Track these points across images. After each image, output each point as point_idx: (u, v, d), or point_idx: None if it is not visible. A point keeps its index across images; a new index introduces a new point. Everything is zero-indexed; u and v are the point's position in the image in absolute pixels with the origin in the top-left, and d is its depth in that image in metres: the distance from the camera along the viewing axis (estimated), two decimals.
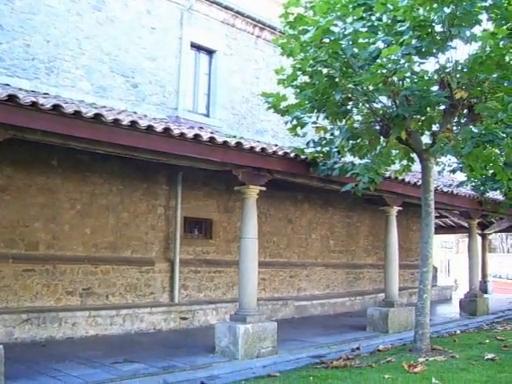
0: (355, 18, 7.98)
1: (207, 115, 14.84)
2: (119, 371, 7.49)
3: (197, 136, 8.01)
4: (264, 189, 9.49)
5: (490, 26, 8.05)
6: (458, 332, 11.52)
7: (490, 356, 7.94)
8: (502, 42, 7.82)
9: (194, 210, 13.14)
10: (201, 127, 11.34)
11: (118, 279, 11.39)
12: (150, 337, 10.59)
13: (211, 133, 8.99)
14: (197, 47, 14.68)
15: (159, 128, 7.56)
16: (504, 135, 9.41)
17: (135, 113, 11.41)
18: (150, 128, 7.45)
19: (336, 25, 8.10)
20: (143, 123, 7.46)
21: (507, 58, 8.11)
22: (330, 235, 16.97)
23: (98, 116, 6.94)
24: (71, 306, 10.57)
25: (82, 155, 10.35)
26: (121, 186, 11.73)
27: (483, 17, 7.68)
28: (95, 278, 11.05)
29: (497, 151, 11.35)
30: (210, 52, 15.02)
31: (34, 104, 6.35)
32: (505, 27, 7.61)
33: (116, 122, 7.11)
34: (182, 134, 7.85)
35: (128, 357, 8.42)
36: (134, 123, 7.28)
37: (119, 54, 12.68)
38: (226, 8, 14.87)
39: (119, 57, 12.68)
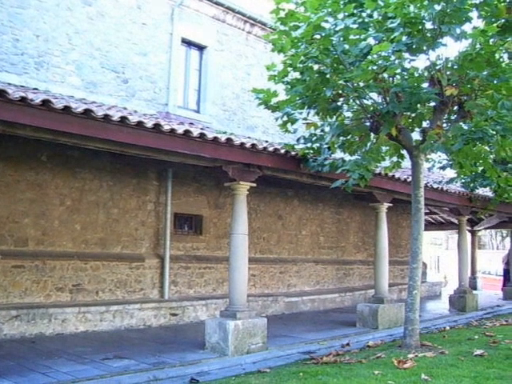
0: (346, 14, 7.98)
1: (198, 111, 14.82)
2: (109, 367, 7.48)
3: (187, 132, 8.00)
4: (254, 185, 9.50)
5: (480, 24, 8.07)
6: (448, 328, 11.56)
7: (478, 352, 7.97)
8: (492, 40, 7.85)
9: (184, 206, 13.13)
10: (191, 123, 11.34)
11: (107, 275, 11.36)
12: (140, 333, 10.58)
13: (201, 129, 8.98)
14: (187, 43, 14.65)
15: (149, 124, 7.54)
16: (494, 132, 9.42)
17: (125, 108, 11.38)
18: (140, 124, 7.42)
19: (327, 21, 8.09)
20: (133, 119, 7.43)
21: (497, 56, 8.13)
22: (320, 231, 16.99)
23: (87, 111, 6.90)
24: (61, 302, 10.54)
25: (72, 151, 10.32)
26: (111, 181, 11.69)
27: (473, 14, 7.68)
28: (85, 274, 11.02)
29: (486, 148, 11.38)
30: (200, 48, 15.00)
31: (23, 99, 6.31)
32: (495, 25, 7.63)
33: (106, 117, 7.08)
34: (173, 130, 7.83)
35: (118, 353, 8.41)
36: (124, 119, 7.26)
37: (110, 49, 12.64)
38: (217, 4, 14.85)
39: (110, 52, 12.63)
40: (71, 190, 11.07)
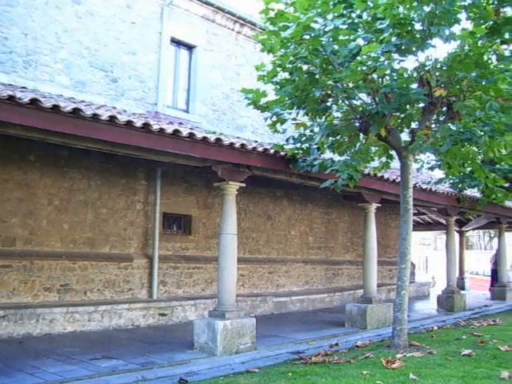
0: (336, 14, 7.99)
1: (187, 111, 14.79)
2: (97, 368, 7.46)
3: (176, 132, 7.99)
4: (243, 185, 9.50)
5: (468, 25, 8.09)
6: (436, 328, 11.60)
7: (466, 352, 8.00)
8: (480, 41, 7.88)
9: (174, 206, 13.10)
10: (180, 123, 11.33)
11: (96, 275, 11.32)
12: (129, 333, 10.54)
13: (191, 129, 8.97)
14: (177, 42, 14.62)
15: (138, 123, 7.51)
16: (482, 133, 9.48)
17: (114, 108, 11.36)
18: (129, 123, 7.40)
19: (316, 21, 8.10)
20: (122, 118, 7.41)
21: (485, 57, 8.16)
22: (309, 232, 17.01)
23: (76, 111, 6.88)
24: (49, 302, 10.49)
25: (61, 150, 10.28)
26: (99, 181, 11.65)
27: (462, 16, 7.71)
28: (73, 274, 10.97)
29: (475, 149, 11.44)
30: (190, 47, 14.98)
31: (11, 98, 6.28)
32: (483, 26, 7.66)
33: (95, 116, 7.06)
34: (162, 130, 7.81)
35: (106, 353, 8.39)
36: (113, 118, 7.23)
37: (99, 48, 12.59)
38: (207, 3, 14.83)
39: (99, 51, 12.59)
40: (60, 189, 11.02)
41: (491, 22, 7.84)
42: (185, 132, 8.12)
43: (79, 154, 10.29)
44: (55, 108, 6.67)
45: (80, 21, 12.26)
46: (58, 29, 11.88)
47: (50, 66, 11.72)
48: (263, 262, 15.22)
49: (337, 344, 9.53)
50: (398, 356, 7.76)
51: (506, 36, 8.06)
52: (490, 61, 8.36)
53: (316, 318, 13.62)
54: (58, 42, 11.87)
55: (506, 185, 15.92)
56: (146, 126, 7.60)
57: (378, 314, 11.94)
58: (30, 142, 8.00)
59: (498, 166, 14.43)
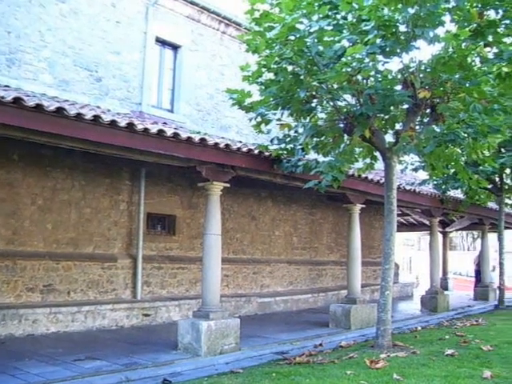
0: (321, 16, 8.01)
1: (171, 111, 14.75)
2: (81, 368, 7.42)
3: (160, 131, 7.96)
4: (228, 185, 9.49)
5: (452, 28, 8.16)
6: (419, 328, 11.67)
7: (449, 352, 8.05)
8: (464, 44, 7.94)
9: (158, 206, 13.06)
10: (165, 123, 11.30)
11: (79, 275, 11.25)
12: (113, 334, 10.50)
13: (175, 128, 8.94)
14: (162, 42, 14.58)
15: (123, 123, 7.48)
16: (465, 135, 9.55)
17: (98, 107, 11.30)
18: (113, 123, 7.37)
19: (302, 22, 8.11)
20: (106, 118, 7.37)
21: (469, 60, 8.23)
22: (294, 232, 17.03)
23: (60, 110, 6.83)
24: (32, 302, 10.40)
25: (45, 150, 10.19)
26: (83, 181, 11.58)
27: (446, 18, 7.77)
28: (56, 274, 10.89)
29: (458, 151, 11.53)
30: (175, 47, 14.94)
31: None
32: (467, 29, 7.72)
33: (79, 116, 7.02)
34: (146, 130, 7.78)
35: (90, 354, 8.34)
36: (97, 118, 7.20)
37: (83, 47, 12.51)
38: (192, 3, 14.80)
39: (83, 50, 12.51)
40: (43, 189, 10.94)
41: (475, 25, 7.92)
42: (169, 132, 8.10)
43: (63, 154, 10.22)
44: (39, 107, 6.62)
45: (64, 19, 12.18)
46: (42, 27, 11.79)
47: (33, 65, 11.63)
48: (247, 263, 15.22)
49: (321, 344, 9.55)
50: (382, 356, 7.78)
51: (490, 39, 8.13)
52: (473, 63, 8.44)
53: (300, 318, 13.64)
54: (42, 41, 11.78)
55: (489, 186, 16.09)
56: (131, 125, 7.57)
57: (361, 315, 11.98)
58: (13, 142, 7.94)
59: (481, 167, 14.55)
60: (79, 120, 7.08)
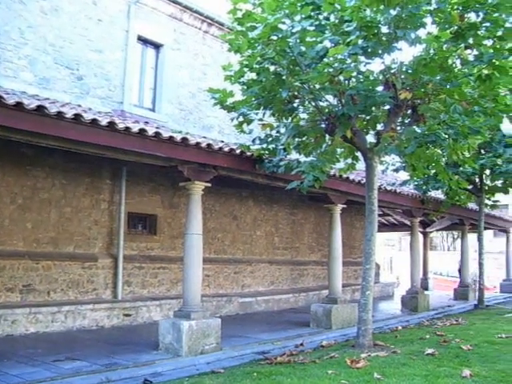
0: (303, 16, 8.02)
1: (153, 110, 14.70)
2: (60, 369, 7.36)
3: (142, 131, 7.93)
4: (209, 185, 9.47)
5: (434, 30, 8.20)
6: (400, 328, 11.72)
7: (430, 351, 8.09)
8: (445, 46, 7.99)
9: (139, 206, 13.01)
10: (146, 122, 11.24)
11: (59, 275, 11.17)
12: (93, 334, 10.43)
13: (157, 128, 8.90)
14: (144, 41, 14.52)
15: (104, 122, 7.44)
16: (446, 136, 9.62)
17: (80, 106, 11.23)
18: (94, 121, 7.32)
19: (284, 23, 8.13)
20: (88, 116, 7.32)
21: (450, 61, 8.29)
22: (275, 232, 17.05)
23: (40, 108, 6.77)
24: (11, 302, 10.30)
25: (25, 148, 10.10)
26: (64, 180, 11.50)
27: (428, 20, 7.81)
28: (36, 274, 10.81)
29: (439, 151, 11.61)
30: (157, 46, 14.88)
31: None
32: (448, 31, 7.77)
33: (59, 114, 6.96)
34: (127, 129, 7.75)
35: (70, 354, 8.27)
36: (78, 116, 7.15)
37: (64, 45, 12.42)
38: (174, 2, 14.76)
39: (64, 48, 12.42)
40: (23, 188, 10.85)
41: (456, 27, 7.96)
42: (151, 131, 8.07)
43: (43, 152, 10.14)
44: (19, 105, 6.56)
45: (45, 17, 12.08)
46: (22, 24, 11.68)
47: (13, 62, 11.52)
48: (229, 263, 15.21)
49: (302, 344, 9.56)
50: (363, 355, 7.81)
51: (470, 41, 8.18)
52: (454, 65, 8.51)
53: (281, 318, 13.65)
54: (22, 38, 11.67)
55: (469, 187, 16.21)
56: (112, 124, 7.53)
57: (342, 314, 12.01)
58: None
59: (461, 168, 14.67)
60: (60, 118, 7.02)
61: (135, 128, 7.87)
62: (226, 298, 14.02)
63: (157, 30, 14.59)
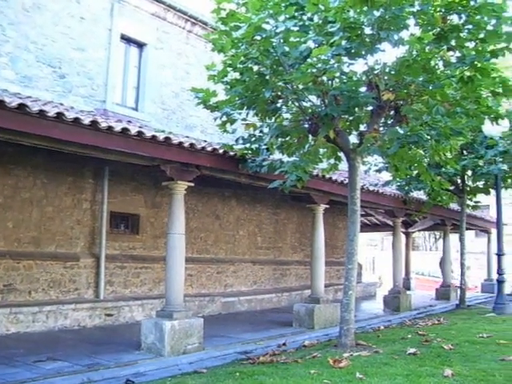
0: (287, 16, 8.04)
1: (136, 109, 14.63)
2: (42, 370, 7.30)
3: (125, 130, 7.89)
4: (192, 184, 9.46)
5: (417, 31, 8.25)
6: (382, 327, 11.78)
7: (411, 350, 8.13)
8: (428, 47, 8.04)
9: (121, 205, 12.95)
10: (129, 121, 11.20)
11: (41, 275, 11.09)
12: (75, 334, 10.37)
13: (140, 127, 8.87)
14: (127, 39, 14.44)
15: (86, 121, 7.40)
16: (428, 137, 9.66)
17: (62, 104, 11.14)
18: (76, 120, 7.28)
19: (268, 23, 8.13)
20: (70, 115, 7.28)
21: (432, 63, 8.33)
22: (258, 232, 17.06)
23: (22, 106, 6.72)
24: None
25: (5, 147, 9.99)
26: (45, 179, 11.42)
27: (411, 22, 7.85)
28: (17, 273, 10.72)
29: (421, 152, 11.67)
30: (140, 45, 14.81)
31: None
32: (431, 33, 7.82)
33: (41, 113, 6.91)
34: (110, 128, 7.71)
35: (51, 355, 8.21)
36: (60, 115, 7.10)
37: (46, 43, 12.32)
38: (158, 1, 14.70)
39: (46, 46, 12.32)
40: (4, 187, 10.75)
41: (438, 29, 8.02)
42: (133, 130, 8.03)
43: (24, 151, 10.06)
44: (0, 103, 6.50)
45: (27, 14, 11.96)
46: (4, 21, 11.56)
47: None
48: (211, 262, 15.19)
49: (284, 344, 9.57)
50: (345, 355, 7.83)
51: (453, 43, 8.26)
52: (436, 66, 8.55)
53: (264, 317, 13.66)
54: (4, 35, 11.56)
55: (451, 188, 16.32)
56: (94, 123, 7.49)
57: (325, 314, 12.04)
58: None
59: (443, 169, 14.76)
60: (42, 117, 6.97)
61: (118, 127, 7.83)
62: (208, 297, 14.00)
63: (140, 29, 14.53)
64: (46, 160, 11.10)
